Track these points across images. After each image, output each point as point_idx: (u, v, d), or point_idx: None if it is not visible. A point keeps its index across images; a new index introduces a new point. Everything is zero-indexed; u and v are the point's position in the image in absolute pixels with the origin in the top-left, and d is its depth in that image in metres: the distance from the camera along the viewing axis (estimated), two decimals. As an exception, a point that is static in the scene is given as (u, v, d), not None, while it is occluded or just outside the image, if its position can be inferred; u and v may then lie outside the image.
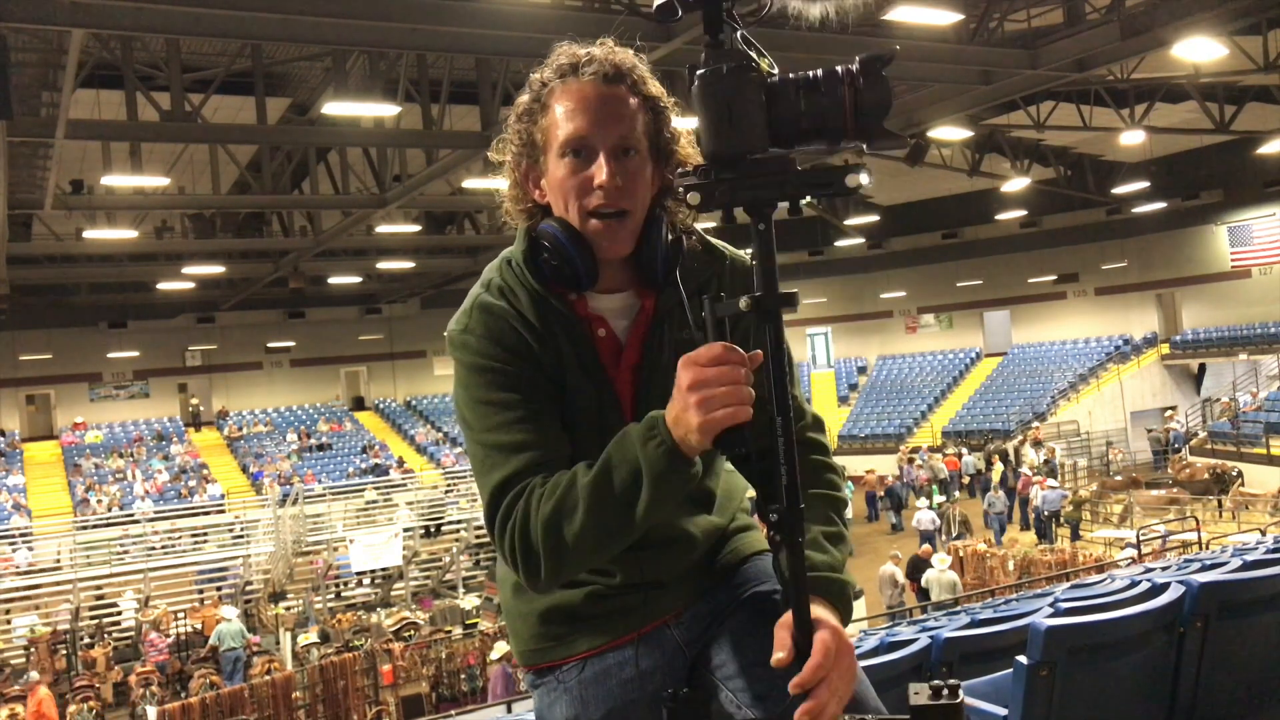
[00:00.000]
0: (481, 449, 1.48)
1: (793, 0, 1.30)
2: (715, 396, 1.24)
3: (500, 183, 1.59)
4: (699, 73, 1.16)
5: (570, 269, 1.48)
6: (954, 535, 18.00)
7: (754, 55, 1.20)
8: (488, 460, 1.46)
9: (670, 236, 1.53)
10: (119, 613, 17.62)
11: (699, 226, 1.59)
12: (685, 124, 1.59)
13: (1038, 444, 24.80)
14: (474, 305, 1.53)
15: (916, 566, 14.61)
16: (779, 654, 1.27)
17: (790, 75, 1.20)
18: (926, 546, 15.80)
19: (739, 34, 1.23)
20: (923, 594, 14.00)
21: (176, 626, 16.61)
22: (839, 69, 1.19)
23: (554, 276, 1.50)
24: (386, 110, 13.97)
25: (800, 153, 1.23)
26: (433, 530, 20.37)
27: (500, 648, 11.90)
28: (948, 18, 11.83)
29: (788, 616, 1.28)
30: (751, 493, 1.39)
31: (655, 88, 1.52)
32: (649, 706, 1.57)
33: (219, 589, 18.85)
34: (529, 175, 1.54)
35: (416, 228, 22.41)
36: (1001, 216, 29.44)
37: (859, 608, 13.74)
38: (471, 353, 1.50)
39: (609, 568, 1.57)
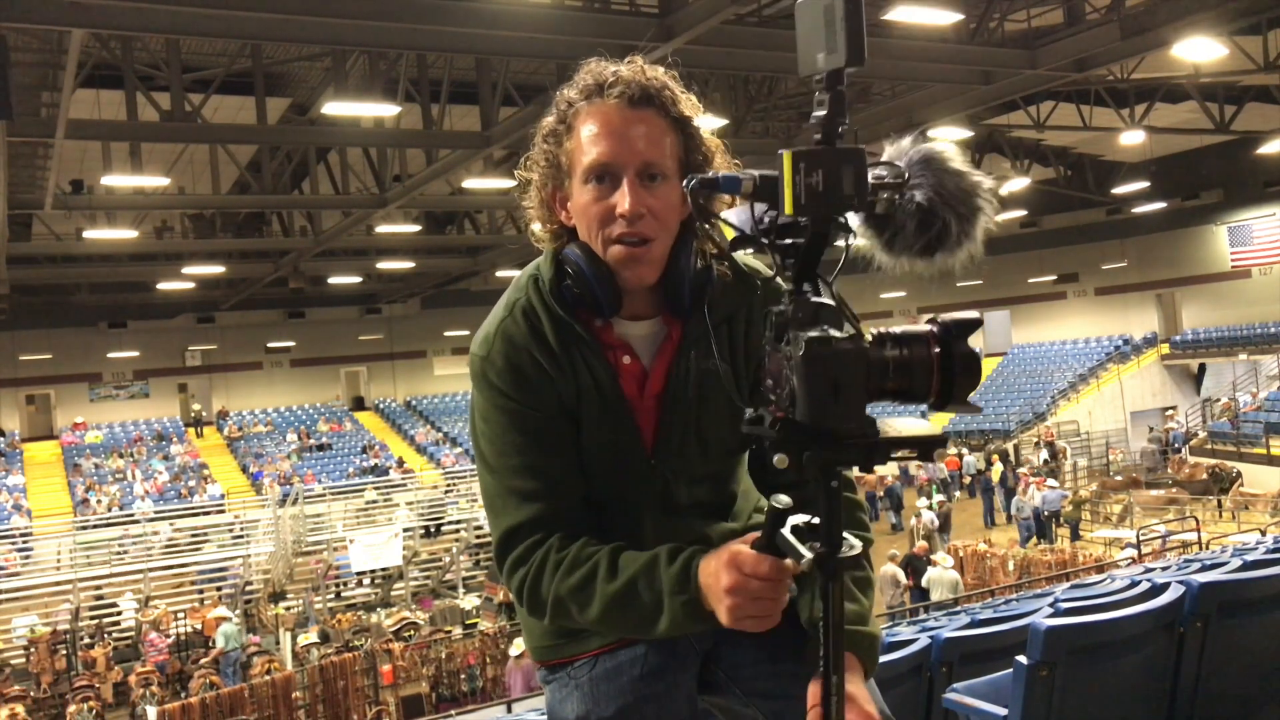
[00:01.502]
0: (495, 485, 1.51)
1: (878, 253, 1.24)
2: (747, 608, 1.28)
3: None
4: (806, 338, 1.08)
5: (592, 297, 1.46)
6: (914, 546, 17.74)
7: (847, 317, 1.14)
8: (499, 500, 1.50)
9: (699, 264, 1.49)
10: (119, 613, 17.61)
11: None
12: (709, 122, 1.56)
13: (1049, 444, 24.73)
14: (497, 331, 1.51)
15: (911, 564, 14.61)
16: None
17: (878, 333, 1.14)
18: (923, 544, 15.80)
19: (833, 288, 1.17)
20: (918, 591, 14.00)
21: (176, 626, 16.61)
22: (925, 330, 1.14)
23: (576, 304, 1.48)
24: (386, 110, 13.96)
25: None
26: (433, 530, 20.37)
27: (520, 644, 11.89)
28: (948, 18, 11.82)
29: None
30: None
31: (687, 107, 1.47)
32: (659, 704, 1.59)
33: (219, 589, 18.84)
34: (555, 196, 1.51)
35: (416, 228, 22.40)
36: (1001, 216, 29.29)
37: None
38: (490, 386, 1.50)
39: None
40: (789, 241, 1.17)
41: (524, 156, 1.56)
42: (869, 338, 1.13)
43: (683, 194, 1.43)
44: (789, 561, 1.24)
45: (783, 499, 1.24)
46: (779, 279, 1.19)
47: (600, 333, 1.51)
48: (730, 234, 1.27)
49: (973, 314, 1.15)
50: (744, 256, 1.56)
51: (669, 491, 1.54)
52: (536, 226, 1.56)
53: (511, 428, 1.48)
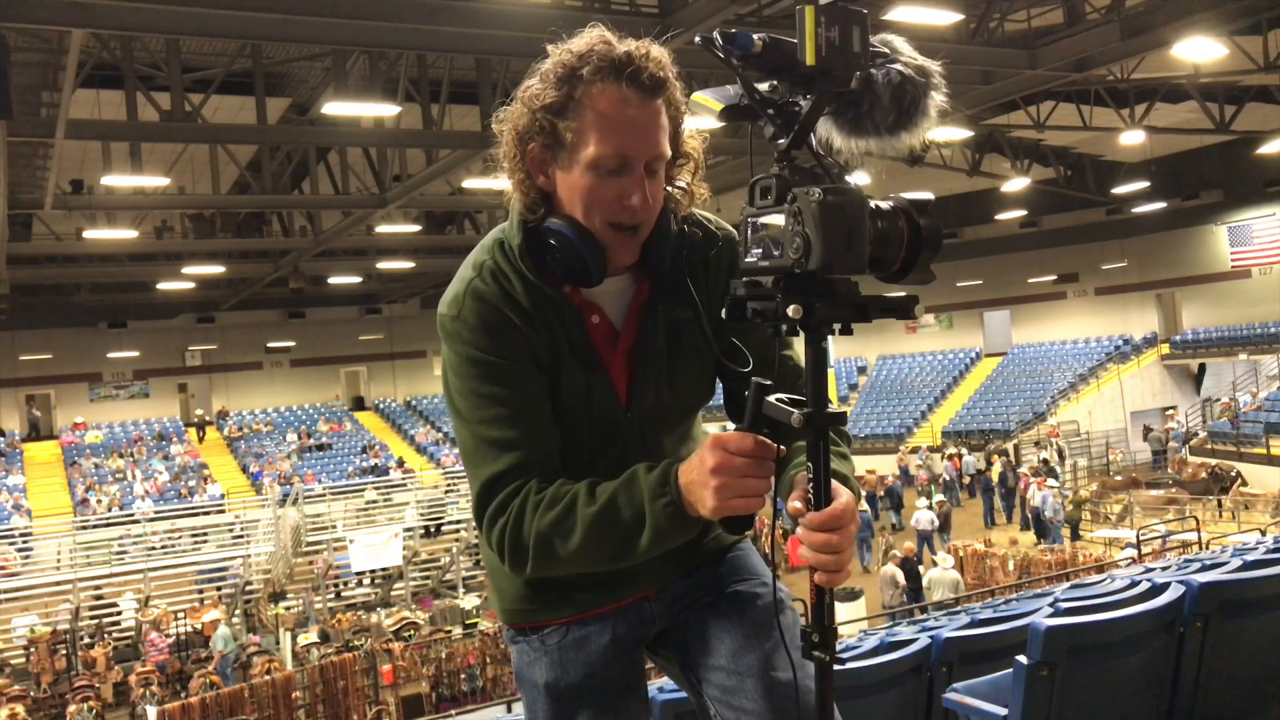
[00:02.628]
0: (472, 440, 1.51)
1: (836, 138, 1.34)
2: (734, 486, 1.29)
3: (504, 182, 1.57)
4: (824, 193, 1.16)
5: (582, 268, 1.48)
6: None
7: (835, 177, 1.24)
8: (477, 453, 1.50)
9: (675, 228, 1.55)
10: (119, 613, 17.61)
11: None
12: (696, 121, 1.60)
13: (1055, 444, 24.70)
14: (466, 291, 1.52)
15: (903, 565, 14.60)
16: (795, 503, 1.32)
17: None
18: (909, 545, 15.79)
19: (815, 150, 1.26)
20: (911, 593, 14.01)
21: (176, 626, 16.61)
22: (894, 206, 1.24)
23: (564, 275, 1.50)
24: (386, 110, 13.95)
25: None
26: (433, 530, 20.37)
27: None
28: (948, 18, 11.82)
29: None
30: None
31: (679, 93, 1.50)
32: (624, 672, 1.65)
33: (219, 589, 18.84)
34: (537, 159, 1.49)
35: (416, 228, 22.41)
36: (1001, 216, 29.43)
37: (859, 608, 13.75)
38: (463, 342, 1.50)
39: None
40: (785, 103, 1.26)
41: (499, 107, 1.54)
42: None
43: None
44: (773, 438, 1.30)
45: (764, 380, 1.31)
46: (777, 142, 1.27)
47: (569, 295, 1.54)
48: (716, 106, 1.32)
49: (926, 194, 1.26)
50: (697, 212, 1.63)
51: (647, 442, 1.57)
52: (509, 190, 1.55)
53: (486, 379, 1.49)
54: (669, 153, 1.48)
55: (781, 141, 1.25)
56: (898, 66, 1.30)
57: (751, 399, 1.30)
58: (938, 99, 1.34)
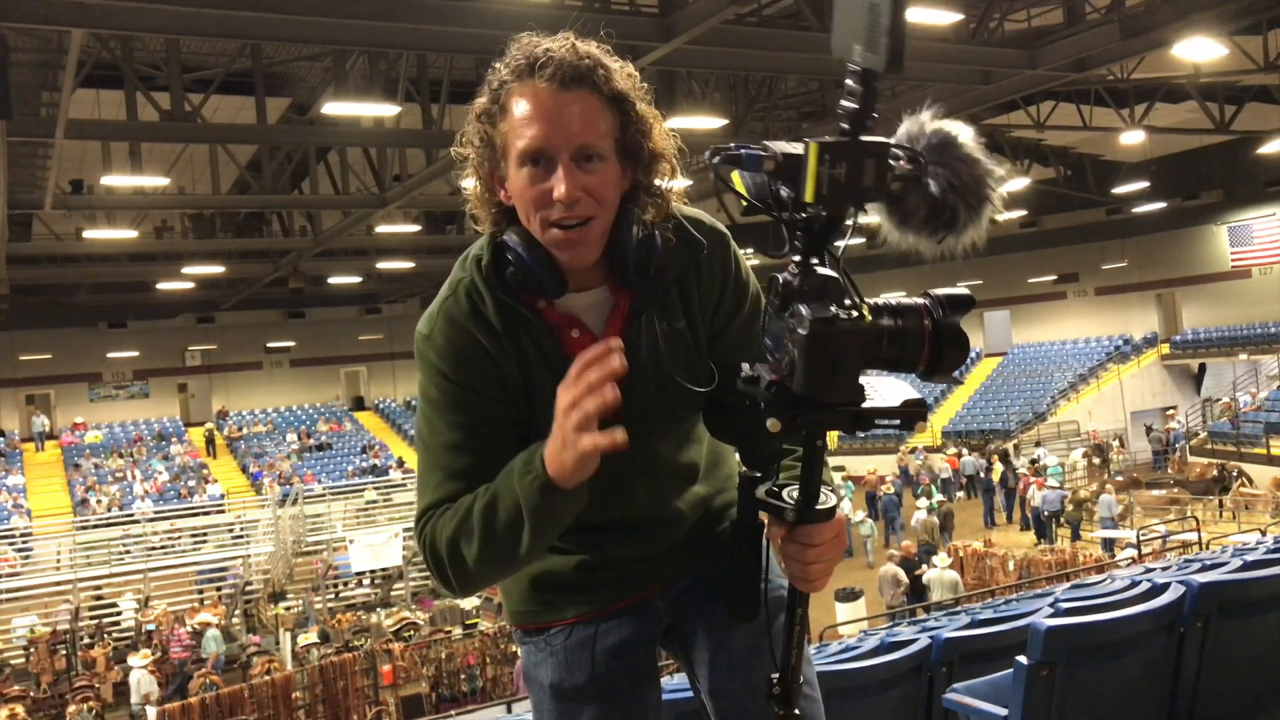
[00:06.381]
0: (426, 462, 1.52)
1: (887, 229, 1.29)
2: (586, 401, 1.26)
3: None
4: (811, 318, 1.10)
5: (535, 281, 1.45)
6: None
7: (850, 289, 1.17)
8: (427, 475, 1.51)
9: (640, 234, 1.48)
10: (119, 613, 17.61)
11: (679, 210, 1.55)
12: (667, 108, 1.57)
13: (1097, 446, 24.68)
14: (440, 310, 1.52)
15: (904, 563, 14.61)
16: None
17: (875, 303, 1.17)
18: (909, 544, 15.80)
19: (840, 260, 1.20)
20: (912, 593, 14.01)
21: (176, 626, 16.60)
22: (920, 302, 1.18)
23: (520, 288, 1.48)
24: (386, 110, 13.95)
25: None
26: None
27: None
28: (948, 18, 11.82)
29: None
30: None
31: (621, 82, 1.45)
32: (628, 674, 1.63)
33: (219, 589, 18.83)
34: (493, 176, 1.49)
35: (416, 228, 22.40)
36: (1002, 217, 29.32)
37: (859, 607, 13.75)
38: (430, 365, 1.51)
39: (600, 541, 1.61)
40: (802, 216, 1.18)
41: (459, 134, 1.54)
42: (867, 309, 1.16)
43: (624, 167, 1.46)
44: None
45: (753, 473, 1.33)
46: (786, 249, 1.21)
47: (544, 312, 1.51)
48: (745, 196, 1.28)
49: (964, 290, 1.19)
50: (686, 211, 1.56)
51: (639, 455, 1.52)
52: (472, 206, 1.54)
53: (447, 406, 1.49)
54: (604, 142, 1.42)
55: (797, 247, 1.19)
56: (935, 185, 1.25)
57: (740, 495, 1.34)
58: (990, 209, 1.30)
